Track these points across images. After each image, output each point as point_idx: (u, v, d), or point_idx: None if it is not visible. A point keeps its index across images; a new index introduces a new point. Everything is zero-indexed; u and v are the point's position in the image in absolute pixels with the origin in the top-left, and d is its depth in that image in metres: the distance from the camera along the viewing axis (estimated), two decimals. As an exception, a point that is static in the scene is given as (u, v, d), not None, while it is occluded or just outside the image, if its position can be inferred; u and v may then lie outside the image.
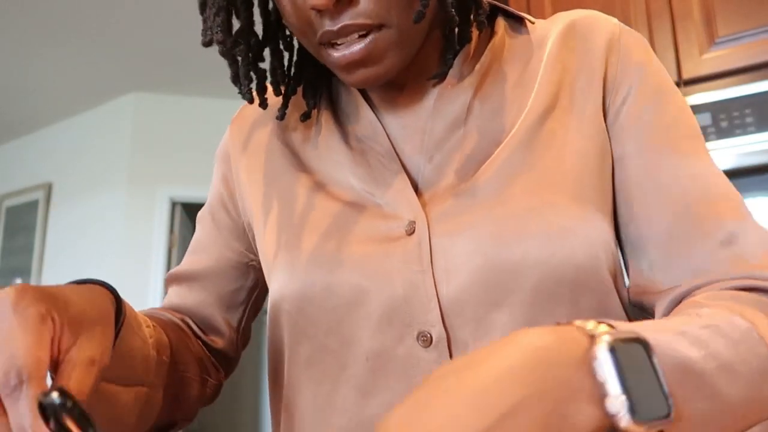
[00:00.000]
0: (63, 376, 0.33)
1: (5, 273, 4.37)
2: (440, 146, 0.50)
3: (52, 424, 0.29)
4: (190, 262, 0.63)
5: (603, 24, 0.52)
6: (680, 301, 0.44)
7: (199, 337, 0.61)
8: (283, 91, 0.56)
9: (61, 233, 4.16)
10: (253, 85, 0.53)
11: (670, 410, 0.27)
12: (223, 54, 0.51)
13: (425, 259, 0.45)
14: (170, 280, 0.64)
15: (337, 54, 0.46)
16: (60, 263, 4.10)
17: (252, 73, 0.53)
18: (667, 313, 0.45)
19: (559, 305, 0.43)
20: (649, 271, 0.47)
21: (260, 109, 0.62)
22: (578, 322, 0.29)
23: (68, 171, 4.26)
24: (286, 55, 0.56)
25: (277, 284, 0.50)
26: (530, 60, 0.53)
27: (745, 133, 1.37)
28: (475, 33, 0.54)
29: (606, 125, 0.50)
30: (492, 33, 0.55)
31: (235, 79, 0.52)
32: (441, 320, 0.43)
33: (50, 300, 0.34)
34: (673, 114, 0.49)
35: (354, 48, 0.45)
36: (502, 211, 0.45)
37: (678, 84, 1.51)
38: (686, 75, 1.49)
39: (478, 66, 0.52)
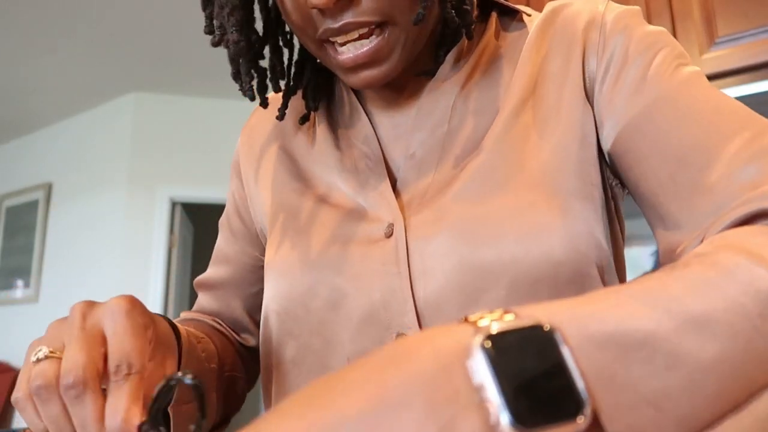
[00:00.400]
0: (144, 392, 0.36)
1: (5, 273, 4.37)
2: (422, 145, 0.50)
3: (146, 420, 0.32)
4: (213, 270, 0.67)
5: (586, 5, 0.50)
6: None
7: (233, 337, 0.65)
8: (283, 90, 0.56)
9: (61, 233, 4.16)
10: (254, 83, 0.53)
11: (581, 407, 0.20)
12: (235, 54, 0.50)
13: (402, 261, 0.45)
14: (198, 287, 0.67)
15: (343, 56, 0.45)
16: (60, 263, 4.10)
17: (253, 71, 0.53)
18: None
19: (536, 300, 0.40)
20: (667, 229, 0.42)
21: (267, 117, 0.63)
22: (474, 315, 0.23)
23: (68, 171, 4.26)
24: (285, 53, 0.56)
25: (268, 285, 0.52)
26: (519, 52, 0.52)
27: (745, 133, 1.37)
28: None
29: (590, 100, 0.48)
30: (484, 29, 0.54)
31: (236, 76, 0.52)
32: (417, 322, 0.43)
33: (150, 316, 0.38)
34: (659, 58, 0.45)
35: (362, 49, 0.45)
36: (477, 211, 0.44)
37: (678, 84, 1.51)
38: (686, 75, 1.50)
39: (465, 65, 0.52)
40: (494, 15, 0.55)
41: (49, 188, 4.32)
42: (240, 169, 0.64)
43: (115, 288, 3.73)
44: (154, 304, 3.72)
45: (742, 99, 1.39)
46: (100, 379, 0.34)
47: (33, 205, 4.35)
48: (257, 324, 0.65)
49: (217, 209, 5.53)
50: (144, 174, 3.92)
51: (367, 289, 0.45)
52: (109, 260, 3.81)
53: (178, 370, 0.44)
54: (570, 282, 0.42)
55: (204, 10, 0.51)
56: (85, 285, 3.89)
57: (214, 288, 0.66)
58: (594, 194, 0.46)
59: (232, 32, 0.49)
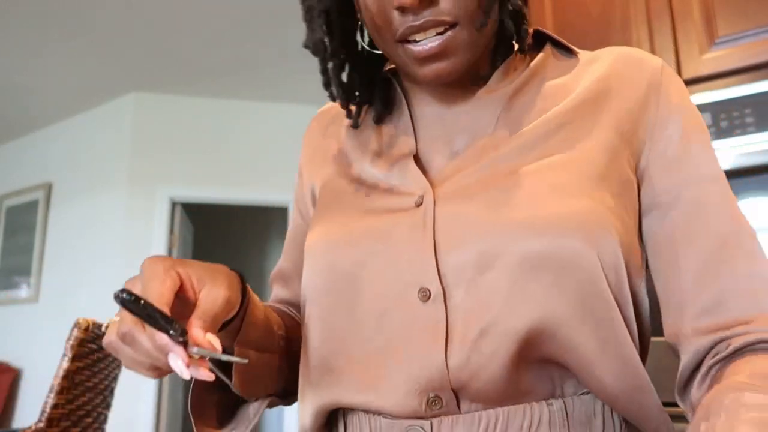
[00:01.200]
0: (199, 307, 0.44)
1: (5, 273, 4.37)
2: (464, 145, 0.57)
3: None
4: (281, 260, 0.74)
5: (647, 62, 0.57)
6: (710, 350, 0.49)
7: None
8: (357, 99, 0.64)
9: (61, 233, 4.16)
10: (340, 92, 0.62)
11: None
12: (328, 61, 0.60)
13: (428, 226, 0.51)
14: (271, 281, 0.75)
15: (417, 48, 0.53)
16: (60, 263, 4.10)
17: (341, 84, 0.61)
18: (696, 362, 0.49)
19: (544, 273, 0.47)
20: (676, 314, 0.52)
21: (326, 117, 0.72)
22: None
23: (68, 171, 4.26)
24: (346, 66, 0.64)
25: (309, 256, 0.58)
26: (570, 81, 0.58)
27: (745, 133, 1.37)
28: (517, 55, 0.61)
29: (633, 146, 0.55)
30: (536, 55, 0.62)
31: (327, 85, 0.61)
32: (438, 279, 0.49)
33: (171, 261, 0.46)
34: (703, 155, 0.54)
35: (432, 43, 0.52)
36: (504, 193, 0.50)
37: (678, 84, 1.51)
38: (686, 75, 1.49)
39: (516, 80, 0.58)
40: (548, 46, 0.63)
41: (49, 188, 4.32)
42: (302, 168, 0.71)
43: (114, 288, 3.72)
44: (154, 304, 3.72)
45: (742, 99, 1.39)
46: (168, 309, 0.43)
47: (33, 205, 4.35)
48: None
49: (217, 209, 5.54)
50: (144, 174, 3.92)
51: (396, 251, 0.51)
52: (109, 260, 3.81)
53: (239, 311, 0.52)
54: (572, 263, 0.47)
55: (310, 23, 0.60)
56: (85, 285, 3.89)
57: (281, 279, 0.73)
58: (624, 217, 0.52)
59: (329, 39, 0.58)
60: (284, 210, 4.22)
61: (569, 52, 0.62)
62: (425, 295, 0.49)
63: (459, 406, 0.48)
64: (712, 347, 0.48)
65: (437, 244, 0.50)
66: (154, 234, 3.84)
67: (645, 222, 0.55)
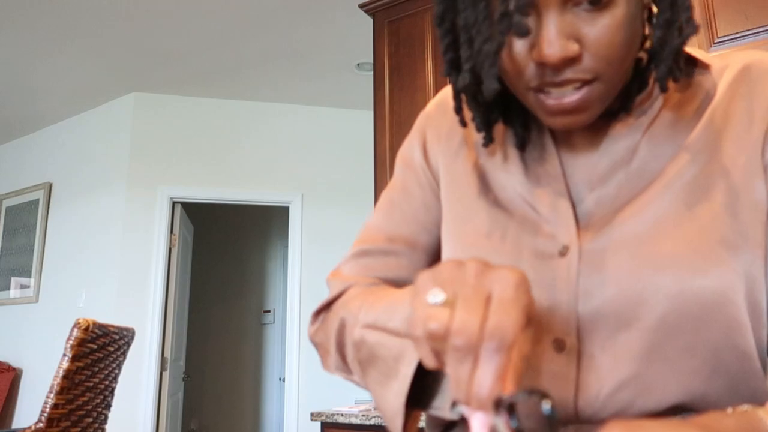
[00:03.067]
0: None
1: (5, 273, 4.37)
2: (604, 181, 0.55)
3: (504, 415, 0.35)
4: (385, 226, 0.70)
5: None
6: None
7: None
8: (485, 119, 0.60)
9: (61, 233, 4.16)
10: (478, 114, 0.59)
11: None
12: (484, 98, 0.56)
13: (572, 280, 0.51)
14: (367, 245, 0.70)
15: (551, 101, 0.50)
16: (60, 263, 4.10)
17: (477, 108, 0.58)
18: None
19: (682, 334, 0.48)
20: None
21: (448, 108, 0.67)
22: (760, 414, 0.38)
23: (68, 171, 4.26)
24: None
25: None
26: (701, 104, 0.55)
27: (745, 133, 1.36)
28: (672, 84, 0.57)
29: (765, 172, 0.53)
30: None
31: (458, 110, 0.59)
32: (576, 332, 0.50)
33: (531, 298, 0.39)
34: None
35: (569, 98, 0.49)
36: (644, 250, 0.50)
37: (678, 84, 1.51)
38: (686, 75, 1.49)
39: (650, 109, 0.56)
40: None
41: (49, 188, 4.32)
42: (427, 147, 0.67)
43: (115, 288, 3.73)
44: (154, 304, 3.72)
45: (742, 99, 1.39)
46: (481, 344, 0.36)
47: (33, 205, 4.35)
48: None
49: (217, 209, 5.54)
50: (144, 174, 3.92)
51: (537, 298, 0.51)
52: (109, 260, 3.81)
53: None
54: (712, 320, 0.48)
55: (444, 53, 0.55)
56: (85, 285, 3.89)
57: (393, 248, 0.67)
58: (756, 252, 0.51)
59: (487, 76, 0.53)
60: (284, 209, 4.21)
61: (700, 63, 0.58)
62: (560, 346, 0.51)
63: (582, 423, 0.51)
64: None
65: (578, 300, 0.51)
66: (154, 234, 3.84)
67: None
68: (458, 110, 0.58)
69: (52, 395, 1.74)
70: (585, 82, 0.48)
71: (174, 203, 3.96)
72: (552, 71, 0.48)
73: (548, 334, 0.51)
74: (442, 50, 0.55)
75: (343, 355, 0.60)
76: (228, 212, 5.68)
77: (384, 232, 0.68)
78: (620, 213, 0.52)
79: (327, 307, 0.66)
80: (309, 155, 4.17)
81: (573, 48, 0.46)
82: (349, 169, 4.17)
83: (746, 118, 0.53)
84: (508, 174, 0.60)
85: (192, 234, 4.57)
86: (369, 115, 3.98)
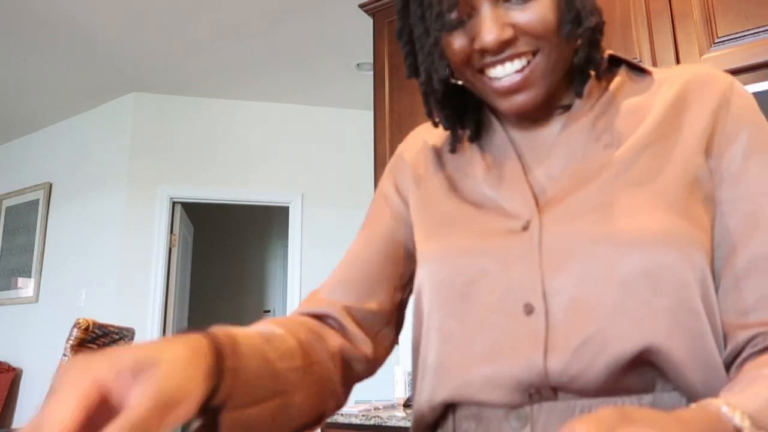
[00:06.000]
0: (117, 420, 0.33)
1: (5, 273, 4.37)
2: (562, 167, 0.61)
3: None
4: (348, 267, 0.77)
5: (717, 82, 0.61)
6: (745, 345, 0.54)
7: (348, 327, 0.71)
8: (450, 127, 0.69)
9: (61, 233, 4.16)
10: (443, 119, 0.67)
11: None
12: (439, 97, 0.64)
13: (535, 249, 0.57)
14: (333, 283, 0.75)
15: (497, 84, 0.58)
16: (60, 263, 4.10)
17: (442, 112, 0.67)
18: (736, 352, 0.55)
19: (642, 292, 0.52)
20: (723, 307, 0.56)
21: (422, 133, 0.77)
22: (723, 410, 0.40)
23: (68, 171, 4.26)
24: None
25: (423, 269, 0.64)
26: (646, 101, 0.63)
27: (745, 133, 1.36)
28: (593, 80, 0.65)
29: (709, 169, 0.59)
30: (612, 77, 0.66)
31: (431, 115, 0.66)
32: (542, 296, 0.55)
33: (90, 364, 0.35)
34: (761, 181, 0.58)
35: (513, 78, 0.57)
36: (603, 216, 0.55)
37: (678, 84, 1.51)
38: (686, 75, 1.49)
39: (598, 104, 0.63)
40: (623, 68, 0.67)
41: (49, 188, 4.32)
42: (398, 181, 0.75)
43: (115, 288, 3.73)
44: (154, 304, 3.72)
45: (742, 99, 1.39)
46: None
47: (33, 205, 4.35)
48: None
49: (217, 209, 5.54)
50: (144, 174, 3.92)
51: (507, 270, 0.57)
52: (109, 260, 3.81)
53: (218, 380, 0.43)
54: (670, 282, 0.52)
55: (405, 59, 0.65)
56: (85, 285, 3.89)
57: (347, 284, 0.74)
58: (705, 230, 0.57)
59: (437, 73, 0.61)
60: (285, 209, 4.21)
61: (643, 72, 0.66)
62: (529, 310, 0.55)
63: (557, 396, 0.54)
64: (750, 340, 0.54)
65: (543, 266, 0.56)
66: (154, 234, 3.84)
67: None
68: (429, 114, 0.66)
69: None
70: (526, 59, 0.56)
71: (174, 203, 3.96)
72: (493, 54, 0.57)
73: (518, 302, 0.56)
74: (404, 57, 0.65)
75: None
76: (228, 212, 5.68)
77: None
78: (576, 192, 0.58)
79: None
80: (309, 155, 4.17)
81: (508, 32, 0.55)
82: (349, 169, 4.17)
83: (693, 119, 0.60)
84: (474, 179, 0.66)
85: (192, 234, 4.57)
86: (369, 115, 3.98)
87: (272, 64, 3.67)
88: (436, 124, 0.67)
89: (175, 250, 3.92)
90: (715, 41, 1.48)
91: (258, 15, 3.16)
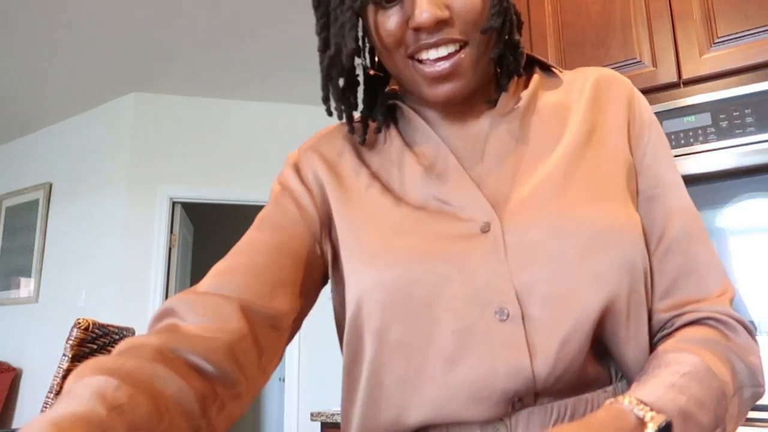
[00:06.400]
0: None
1: (5, 273, 4.37)
2: (500, 162, 0.61)
3: None
4: (240, 254, 0.70)
5: (622, 81, 0.66)
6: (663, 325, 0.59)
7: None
8: (361, 116, 0.67)
9: (61, 233, 4.16)
10: (343, 108, 0.64)
11: None
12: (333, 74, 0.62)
13: (501, 251, 0.55)
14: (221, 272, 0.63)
15: (428, 69, 0.57)
16: (60, 263, 4.10)
17: (342, 99, 0.64)
18: (653, 335, 0.59)
19: (610, 283, 0.53)
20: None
21: (333, 132, 0.71)
22: (625, 404, 0.45)
23: (68, 171, 4.26)
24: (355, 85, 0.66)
25: (369, 279, 0.57)
26: (563, 99, 0.65)
27: (745, 133, 1.37)
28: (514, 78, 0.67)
29: (631, 152, 0.63)
30: (530, 77, 0.68)
31: (326, 100, 0.64)
32: (516, 299, 0.53)
33: None
34: (670, 160, 0.64)
35: (444, 65, 0.56)
36: (562, 211, 0.55)
37: (678, 84, 1.51)
38: (686, 75, 1.49)
39: (522, 101, 0.63)
40: (537, 68, 0.69)
41: (49, 188, 4.32)
42: (308, 177, 0.67)
43: (115, 288, 3.73)
44: (154, 304, 3.72)
45: (742, 99, 1.39)
46: None
47: (33, 205, 4.35)
48: None
49: (217, 209, 5.54)
50: (144, 174, 3.92)
51: (472, 275, 0.55)
52: (109, 260, 3.81)
53: None
54: (629, 273, 0.54)
55: (319, 33, 0.62)
56: (85, 285, 3.89)
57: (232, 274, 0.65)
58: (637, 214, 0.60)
59: (348, 46, 0.59)
60: (284, 210, 4.21)
61: (552, 72, 0.69)
62: (503, 315, 0.53)
63: (536, 401, 0.54)
64: (666, 322, 0.58)
65: (511, 268, 0.54)
66: (154, 234, 3.84)
67: None
68: (326, 99, 0.63)
69: (52, 395, 1.74)
70: (457, 46, 0.56)
71: (174, 203, 3.96)
72: (427, 34, 0.56)
73: (489, 307, 0.54)
74: (317, 30, 0.62)
75: None
76: (228, 212, 5.68)
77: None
78: (524, 190, 0.58)
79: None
80: (309, 155, 4.16)
81: (444, 12, 0.55)
82: (349, 169, 4.16)
83: (615, 117, 0.63)
84: (413, 181, 0.62)
85: (192, 234, 4.57)
86: (369, 115, 3.97)
87: (273, 63, 3.67)
88: (329, 112, 0.63)
89: (175, 250, 3.92)
90: (715, 41, 1.48)
91: (258, 15, 3.16)
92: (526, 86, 0.66)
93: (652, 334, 0.58)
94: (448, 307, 0.54)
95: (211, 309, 0.53)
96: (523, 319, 0.53)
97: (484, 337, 0.53)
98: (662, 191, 0.61)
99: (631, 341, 0.55)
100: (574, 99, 0.65)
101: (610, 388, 0.56)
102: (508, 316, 0.53)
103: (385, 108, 0.68)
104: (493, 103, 0.65)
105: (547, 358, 0.52)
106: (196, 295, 0.55)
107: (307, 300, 0.63)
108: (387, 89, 0.70)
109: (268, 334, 0.56)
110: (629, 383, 0.57)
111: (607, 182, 0.58)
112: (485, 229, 0.56)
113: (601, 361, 0.57)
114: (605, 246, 0.54)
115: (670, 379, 0.49)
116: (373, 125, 0.68)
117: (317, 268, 0.64)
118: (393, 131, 0.67)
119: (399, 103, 0.67)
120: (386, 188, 0.63)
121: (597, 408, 0.53)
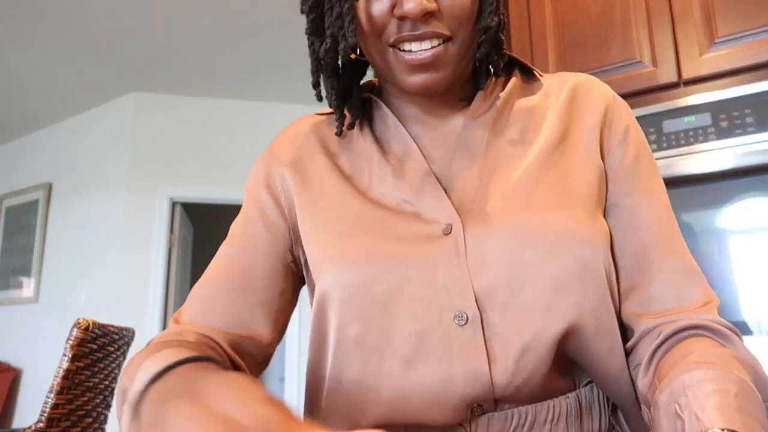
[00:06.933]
0: None
1: (5, 273, 4.37)
2: (469, 164, 0.60)
3: None
4: (214, 283, 0.69)
5: (600, 87, 0.66)
6: (650, 331, 0.56)
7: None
8: (337, 109, 0.64)
9: (61, 233, 4.16)
10: (333, 98, 0.63)
11: None
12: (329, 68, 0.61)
13: (461, 254, 0.54)
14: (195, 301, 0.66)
15: (409, 56, 0.55)
16: (60, 263, 4.10)
17: (331, 86, 0.63)
18: (633, 343, 0.57)
19: (569, 292, 0.52)
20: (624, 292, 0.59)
21: (301, 129, 0.70)
22: None
23: (68, 171, 4.26)
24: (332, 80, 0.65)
25: (330, 276, 0.57)
26: (540, 103, 0.64)
27: (745, 133, 1.37)
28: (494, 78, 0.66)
29: (602, 158, 0.62)
30: (508, 79, 0.67)
31: (316, 85, 0.62)
32: (476, 304, 0.52)
33: None
34: (648, 168, 0.62)
35: (426, 53, 0.55)
36: (525, 217, 0.54)
37: (678, 84, 1.51)
38: (686, 75, 1.49)
39: (498, 103, 0.63)
40: (517, 70, 0.68)
41: (49, 188, 4.32)
42: (274, 171, 0.67)
43: (114, 288, 3.73)
44: (154, 304, 3.72)
45: (742, 99, 1.39)
46: None
47: (33, 205, 4.35)
48: None
49: (217, 209, 5.54)
50: (144, 174, 3.92)
51: (431, 276, 0.54)
52: (109, 260, 3.81)
53: None
54: (589, 279, 0.53)
55: (308, 14, 0.59)
56: (85, 285, 3.89)
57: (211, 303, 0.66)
58: (604, 221, 0.60)
59: (350, 38, 0.56)
60: (284, 210, 4.21)
61: (532, 75, 0.68)
62: (462, 319, 0.52)
63: (496, 407, 0.53)
64: (654, 328, 0.55)
65: (471, 272, 0.53)
66: (154, 234, 3.84)
67: None
68: (316, 84, 0.62)
69: (52, 395, 1.74)
70: (441, 41, 0.55)
71: (174, 203, 3.96)
72: (412, 25, 0.54)
73: (448, 310, 0.53)
74: (306, 13, 0.60)
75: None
76: (228, 212, 5.68)
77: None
78: (491, 194, 0.57)
79: None
80: (309, 155, 4.16)
81: (431, 4, 0.53)
82: (349, 169, 4.16)
83: (588, 121, 0.62)
84: (381, 180, 0.62)
85: (192, 234, 4.56)
86: (369, 115, 3.97)
87: (272, 64, 3.67)
88: (320, 98, 0.63)
89: (175, 250, 3.92)
90: (715, 41, 1.48)
91: (258, 15, 3.16)
92: (503, 88, 0.66)
93: (626, 341, 0.57)
94: (406, 308, 0.54)
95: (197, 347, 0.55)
96: (482, 324, 0.52)
97: (441, 341, 0.52)
98: (635, 199, 0.60)
99: (608, 357, 0.54)
100: (550, 103, 0.64)
101: (572, 395, 0.55)
102: (467, 320, 0.52)
103: (360, 102, 0.66)
104: (468, 101, 0.64)
105: (506, 368, 0.51)
106: (182, 327, 0.58)
107: (289, 307, 0.65)
108: (362, 82, 0.69)
109: (252, 353, 0.60)
110: (604, 390, 0.56)
111: (574, 189, 0.57)
112: (447, 231, 0.55)
113: (565, 373, 0.56)
114: (564, 252, 0.52)
115: (732, 401, 0.44)
116: (347, 119, 0.66)
117: (291, 275, 0.65)
118: (365, 126, 0.66)
119: (374, 97, 0.67)
120: (353, 186, 0.62)
121: (558, 414, 0.53)
